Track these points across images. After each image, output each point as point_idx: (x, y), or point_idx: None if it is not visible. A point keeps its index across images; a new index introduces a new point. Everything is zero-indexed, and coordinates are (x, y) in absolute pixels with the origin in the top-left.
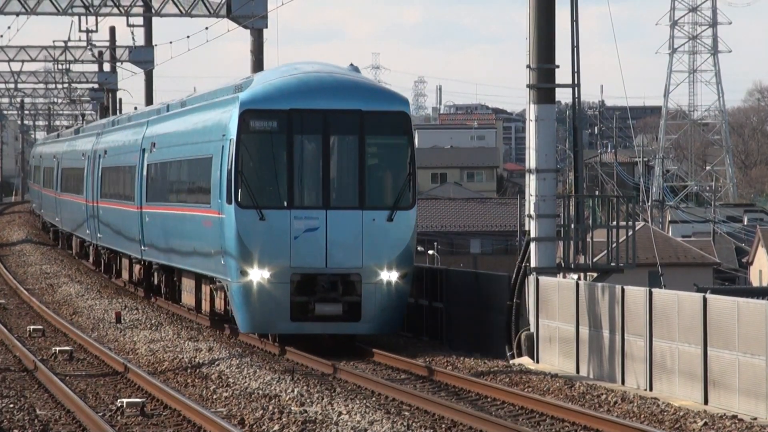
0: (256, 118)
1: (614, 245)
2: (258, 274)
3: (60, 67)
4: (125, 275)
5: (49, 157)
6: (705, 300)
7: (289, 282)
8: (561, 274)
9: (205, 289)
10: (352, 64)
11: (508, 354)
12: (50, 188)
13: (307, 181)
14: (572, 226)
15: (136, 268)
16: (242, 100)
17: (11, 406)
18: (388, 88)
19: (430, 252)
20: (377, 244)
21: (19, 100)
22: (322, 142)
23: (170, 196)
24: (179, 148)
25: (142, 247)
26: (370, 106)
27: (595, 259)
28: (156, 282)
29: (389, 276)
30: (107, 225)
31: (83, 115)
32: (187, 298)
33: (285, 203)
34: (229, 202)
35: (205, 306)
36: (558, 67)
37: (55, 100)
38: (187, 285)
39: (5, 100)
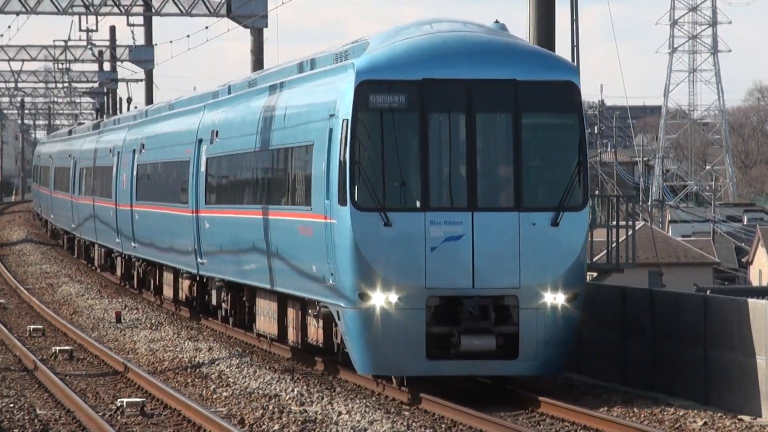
0: (379, 91)
1: (614, 245)
2: (382, 298)
3: (60, 66)
4: (167, 292)
5: (60, 156)
6: None
7: (424, 307)
8: None
9: (292, 314)
10: (497, 21)
11: None
12: (63, 190)
13: (447, 174)
14: None
15: (186, 283)
16: (359, 68)
17: (11, 405)
18: (549, 51)
19: None
20: (539, 255)
21: (19, 99)
22: (466, 122)
23: (243, 197)
24: (257, 136)
25: (199, 260)
26: (529, 74)
27: (594, 259)
28: (215, 302)
29: (555, 298)
30: (146, 232)
31: (98, 110)
32: (266, 324)
33: (418, 203)
34: (343, 202)
35: (293, 335)
36: None
37: (56, 99)
38: (266, 308)
39: (5, 99)
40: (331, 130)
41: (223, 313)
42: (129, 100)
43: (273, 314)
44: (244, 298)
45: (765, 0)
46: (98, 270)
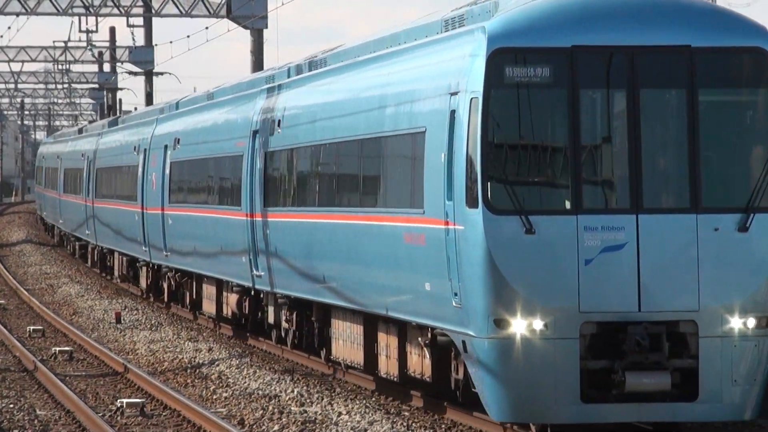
0: (517, 61)
1: None
2: (524, 325)
3: (60, 67)
4: (207, 307)
5: (70, 157)
6: None
7: (577, 336)
8: None
9: (387, 341)
10: None
11: None
12: (75, 193)
13: (606, 167)
14: None
15: (233, 298)
16: (492, 33)
17: (11, 406)
18: (731, 10)
19: None
20: (723, 269)
21: (19, 100)
22: (628, 100)
23: (318, 198)
24: (335, 123)
25: (255, 272)
26: (707, 39)
27: None
28: (272, 320)
29: (744, 324)
30: (181, 239)
31: (110, 107)
32: (347, 350)
33: (568, 204)
34: (472, 204)
35: (387, 366)
36: None
37: (56, 100)
38: (347, 331)
39: (5, 100)
40: (453, 113)
41: (282, 334)
42: (149, 95)
43: (358, 339)
44: (313, 318)
45: (765, 0)
46: (118, 281)
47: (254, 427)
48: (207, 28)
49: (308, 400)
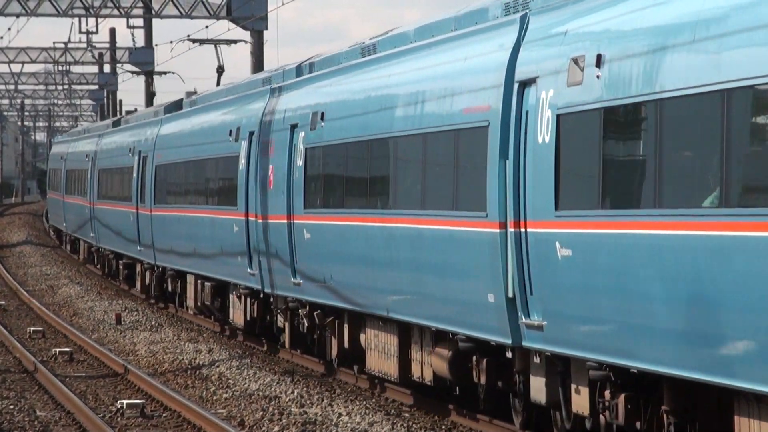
0: None
1: None
2: None
3: (60, 68)
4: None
5: (108, 155)
6: None
7: None
8: None
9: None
10: None
11: None
12: (118, 199)
13: None
14: None
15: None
16: None
17: (11, 407)
18: None
19: None
20: None
21: (19, 101)
22: None
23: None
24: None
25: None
26: None
27: None
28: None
29: None
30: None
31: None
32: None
33: None
34: None
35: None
36: None
37: (56, 101)
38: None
39: (5, 101)
40: None
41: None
42: (220, 70)
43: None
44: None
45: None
46: (194, 314)
47: (254, 428)
48: (207, 27)
49: (308, 402)
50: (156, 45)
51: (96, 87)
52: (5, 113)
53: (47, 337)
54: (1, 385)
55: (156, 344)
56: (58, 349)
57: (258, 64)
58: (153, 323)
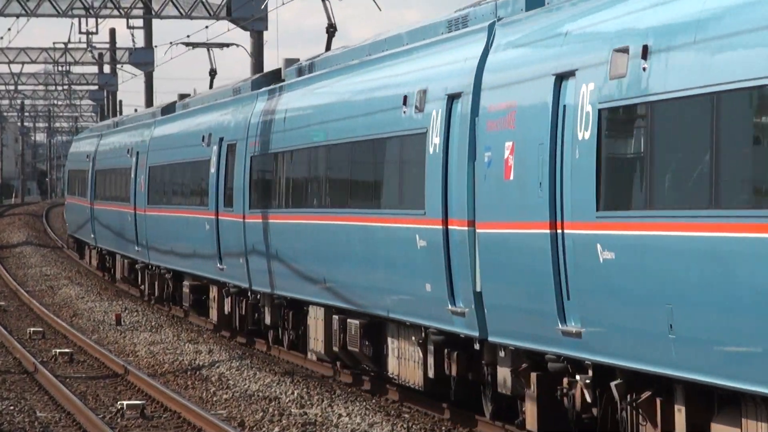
0: None
1: None
2: None
3: (60, 68)
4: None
5: (162, 146)
6: None
7: None
8: None
9: None
10: None
11: None
12: (201, 205)
13: None
14: None
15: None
16: None
17: (11, 408)
18: None
19: None
20: None
21: (19, 102)
22: None
23: None
24: None
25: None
26: None
27: None
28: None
29: None
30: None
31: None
32: None
33: None
34: None
35: None
36: None
37: (56, 102)
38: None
39: (5, 102)
40: None
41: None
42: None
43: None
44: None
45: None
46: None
47: (254, 428)
48: (207, 27)
49: (308, 402)
50: (156, 46)
51: (96, 87)
52: (5, 114)
53: (47, 337)
54: (1, 385)
55: (156, 345)
56: (58, 350)
57: (258, 65)
58: (153, 324)
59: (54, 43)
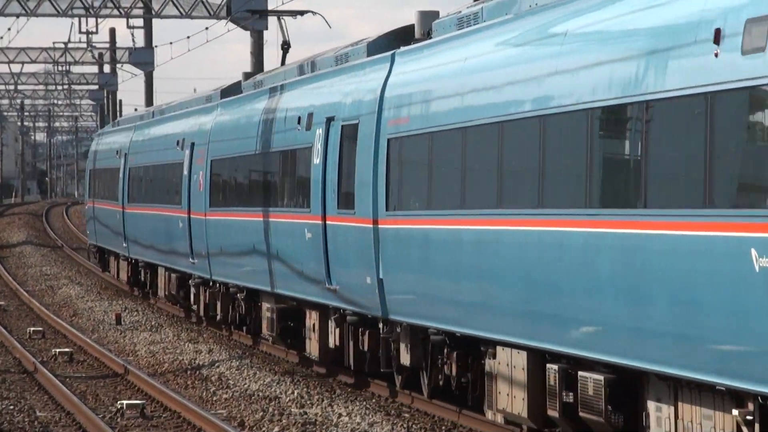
0: None
1: None
2: None
3: (60, 68)
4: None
5: (225, 135)
6: None
7: None
8: None
9: None
10: None
11: None
12: (301, 207)
13: None
14: None
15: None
16: None
17: (11, 407)
18: None
19: None
20: None
21: (19, 101)
22: None
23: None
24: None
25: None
26: None
27: None
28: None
29: None
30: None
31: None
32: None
33: None
34: None
35: None
36: None
37: (56, 101)
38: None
39: (5, 101)
40: None
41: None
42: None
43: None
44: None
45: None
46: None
47: (254, 428)
48: (207, 28)
49: (308, 402)
50: (156, 46)
51: (96, 87)
52: (5, 113)
53: (47, 337)
54: (1, 385)
55: (156, 344)
56: (58, 350)
57: (258, 64)
58: (153, 323)
59: (54, 43)
